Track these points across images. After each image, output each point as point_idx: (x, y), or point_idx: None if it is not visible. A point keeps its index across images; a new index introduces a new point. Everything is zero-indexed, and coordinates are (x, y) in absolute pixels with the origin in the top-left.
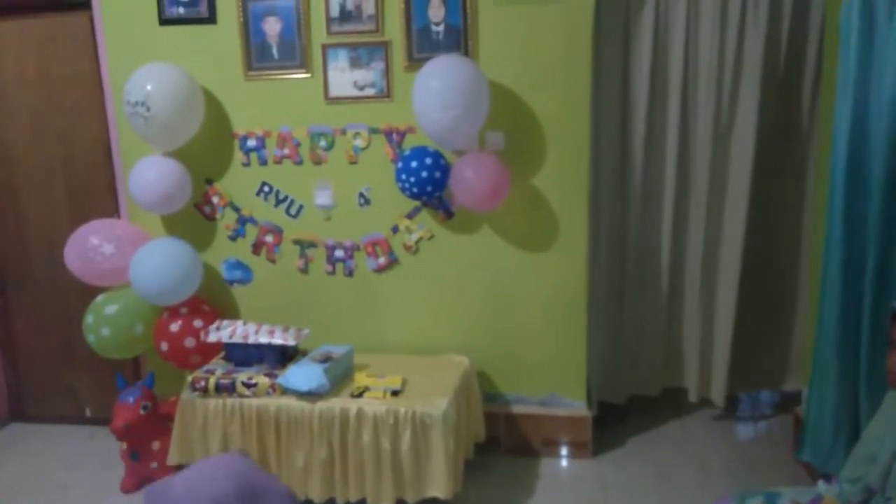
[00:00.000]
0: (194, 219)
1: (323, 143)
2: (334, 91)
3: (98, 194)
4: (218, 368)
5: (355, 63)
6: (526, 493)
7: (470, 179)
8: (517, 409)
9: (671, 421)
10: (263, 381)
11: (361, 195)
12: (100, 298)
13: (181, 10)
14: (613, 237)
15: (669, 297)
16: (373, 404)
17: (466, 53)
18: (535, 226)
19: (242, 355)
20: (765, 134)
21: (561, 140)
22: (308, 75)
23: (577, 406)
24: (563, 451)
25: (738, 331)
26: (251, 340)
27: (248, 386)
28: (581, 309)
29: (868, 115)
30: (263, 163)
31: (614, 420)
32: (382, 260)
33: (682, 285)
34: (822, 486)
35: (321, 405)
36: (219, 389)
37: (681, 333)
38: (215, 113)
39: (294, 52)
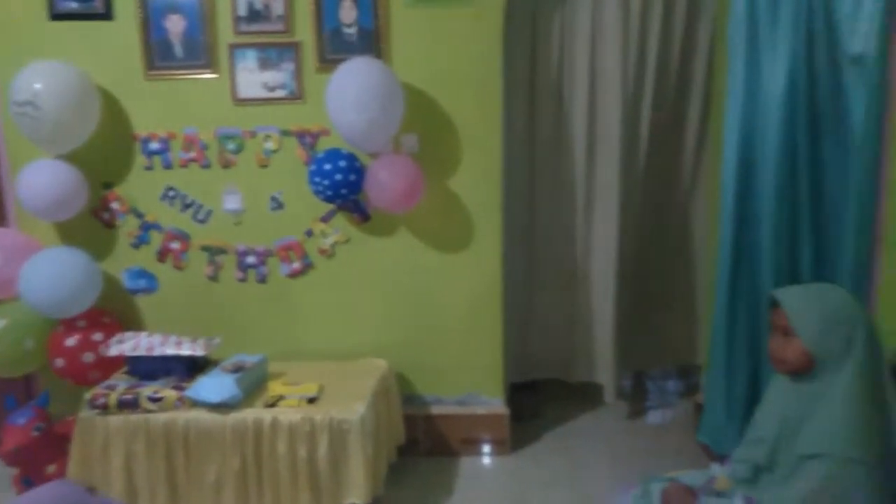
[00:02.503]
0: (92, 226)
1: (232, 145)
2: (243, 92)
3: None
4: (120, 384)
5: (265, 64)
6: (446, 493)
7: (385, 181)
8: (436, 409)
9: (585, 414)
10: (171, 394)
11: (273, 199)
12: None
13: (74, 4)
14: (523, 235)
15: (578, 292)
16: (288, 413)
17: (379, 56)
18: (451, 227)
19: (147, 369)
20: (664, 137)
21: (474, 142)
22: (215, 76)
23: (494, 404)
24: (482, 449)
25: (643, 321)
26: (157, 352)
27: (153, 400)
28: (496, 308)
29: (755, 121)
30: (168, 166)
31: (531, 416)
32: (297, 265)
33: (589, 280)
34: (715, 467)
35: (234, 416)
36: (121, 406)
37: (591, 327)
38: (113, 113)
39: (199, 51)
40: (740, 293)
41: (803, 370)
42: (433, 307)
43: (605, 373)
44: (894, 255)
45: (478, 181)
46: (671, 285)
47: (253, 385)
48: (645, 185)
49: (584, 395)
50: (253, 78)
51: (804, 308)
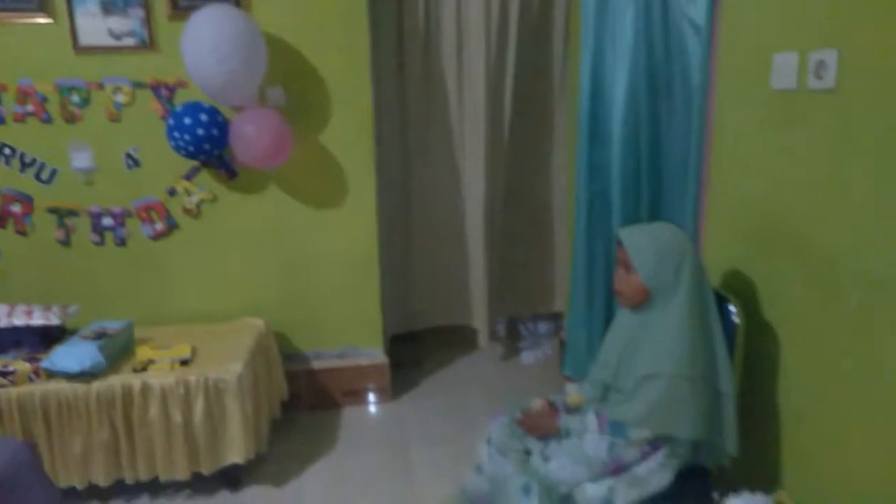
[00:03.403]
0: None
1: (76, 98)
2: (85, 40)
3: None
4: None
5: (108, 9)
6: (330, 443)
7: (251, 136)
8: (317, 364)
9: (463, 359)
10: (24, 367)
11: (129, 156)
12: None
13: None
14: (397, 190)
15: (452, 244)
16: (159, 376)
17: (237, 3)
18: (324, 183)
19: None
20: (523, 89)
21: (343, 95)
22: (50, 20)
23: (374, 354)
24: (364, 398)
25: (510, 264)
26: (3, 324)
27: (4, 374)
28: (373, 263)
29: (604, 68)
30: (1, 121)
31: (410, 364)
32: (160, 226)
33: (462, 233)
34: (568, 387)
35: (98, 385)
36: None
37: (465, 277)
38: None
39: None
40: (595, 236)
41: (641, 301)
42: (309, 264)
43: (479, 318)
44: (717, 199)
45: (349, 136)
46: (536, 235)
47: (118, 351)
48: (512, 137)
49: (462, 342)
50: (96, 24)
51: (641, 244)
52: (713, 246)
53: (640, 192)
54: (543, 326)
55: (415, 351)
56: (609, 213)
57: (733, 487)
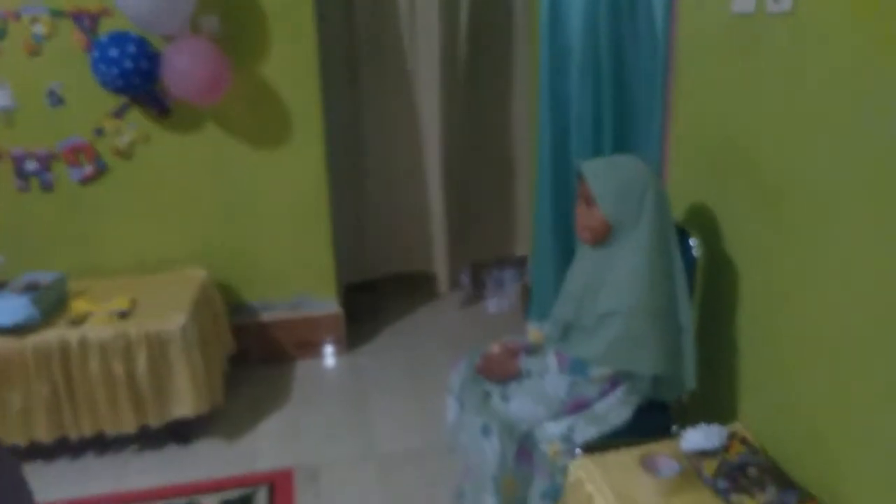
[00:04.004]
0: None
1: None
2: None
3: None
4: None
5: None
6: (283, 397)
7: (184, 69)
8: (267, 316)
9: (423, 308)
10: None
11: (51, 93)
12: None
13: None
14: (349, 132)
15: (408, 188)
16: (97, 330)
17: None
18: (266, 121)
19: None
20: (481, 21)
21: (285, 25)
22: None
23: (328, 305)
24: (318, 351)
25: (470, 206)
26: None
27: None
28: (323, 206)
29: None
30: None
31: (368, 314)
32: (89, 169)
33: (419, 175)
34: (530, 325)
35: (34, 339)
36: None
37: (423, 222)
38: None
39: None
40: (559, 172)
41: (603, 237)
42: (253, 210)
43: (439, 263)
44: (681, 129)
45: (292, 70)
46: (498, 175)
47: (52, 305)
48: (469, 72)
49: (423, 292)
50: None
51: (603, 177)
52: (677, 178)
53: (603, 124)
54: (509, 274)
55: (373, 301)
56: (570, 147)
57: (691, 421)
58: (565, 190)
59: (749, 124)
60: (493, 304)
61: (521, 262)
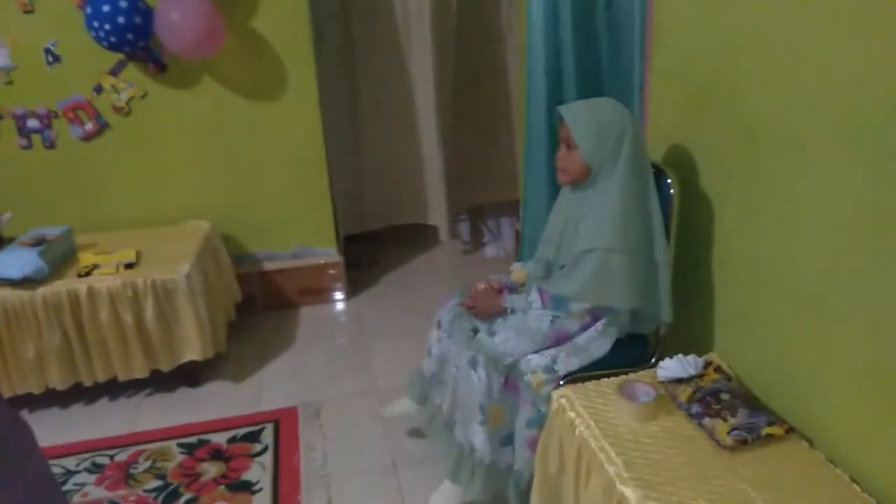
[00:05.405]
0: None
1: None
2: None
3: None
4: None
5: None
6: (288, 341)
7: (178, 23)
8: (269, 265)
9: (423, 255)
10: None
11: (48, 51)
12: None
13: None
14: (341, 77)
15: (405, 138)
16: (105, 280)
17: None
18: (262, 74)
19: None
20: None
21: None
22: None
23: (328, 253)
24: (321, 298)
25: (467, 150)
26: None
27: None
28: (320, 157)
29: None
30: None
31: (369, 263)
32: (90, 126)
33: (414, 125)
34: (514, 265)
35: (43, 290)
36: None
37: (421, 171)
38: None
39: None
40: (550, 119)
41: (582, 179)
42: (252, 162)
43: (438, 215)
44: (660, 67)
45: (285, 22)
46: (493, 120)
47: (60, 257)
48: (460, 15)
49: (423, 240)
50: None
51: (582, 120)
52: (656, 118)
53: (595, 72)
54: (506, 221)
55: (373, 250)
56: (562, 89)
57: (669, 352)
58: (556, 138)
59: (727, 61)
60: (491, 249)
61: (516, 207)
